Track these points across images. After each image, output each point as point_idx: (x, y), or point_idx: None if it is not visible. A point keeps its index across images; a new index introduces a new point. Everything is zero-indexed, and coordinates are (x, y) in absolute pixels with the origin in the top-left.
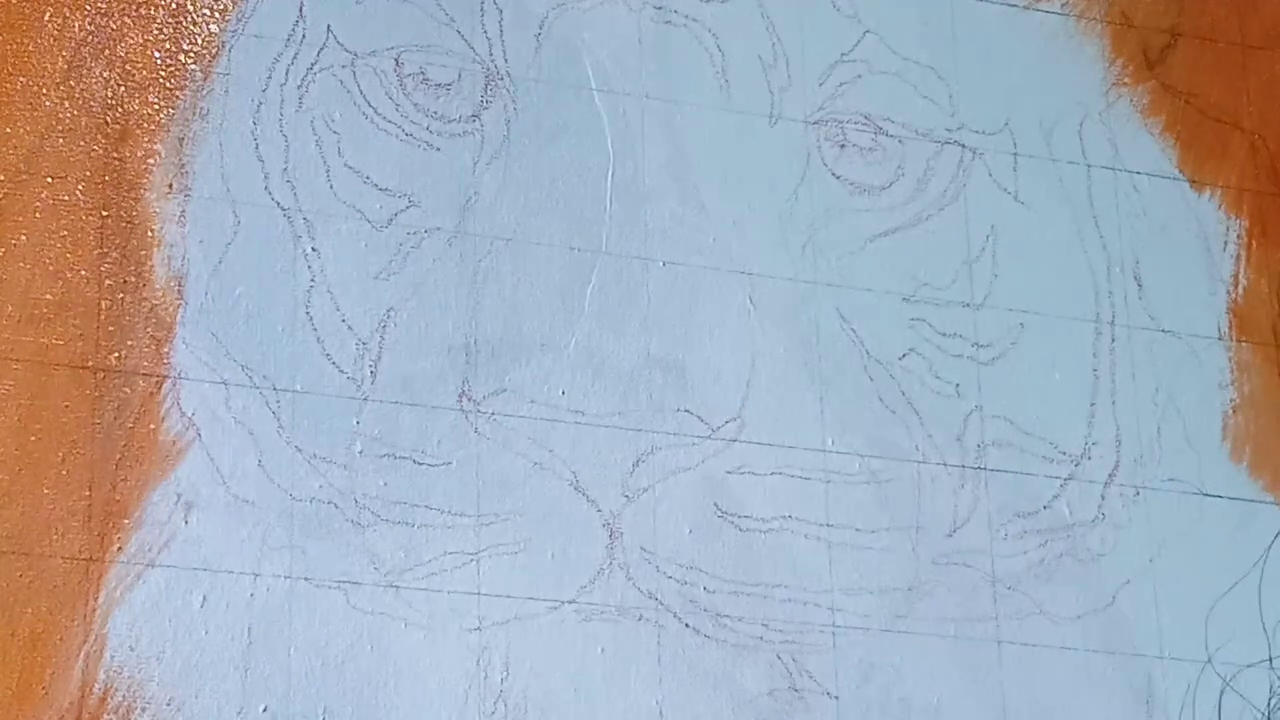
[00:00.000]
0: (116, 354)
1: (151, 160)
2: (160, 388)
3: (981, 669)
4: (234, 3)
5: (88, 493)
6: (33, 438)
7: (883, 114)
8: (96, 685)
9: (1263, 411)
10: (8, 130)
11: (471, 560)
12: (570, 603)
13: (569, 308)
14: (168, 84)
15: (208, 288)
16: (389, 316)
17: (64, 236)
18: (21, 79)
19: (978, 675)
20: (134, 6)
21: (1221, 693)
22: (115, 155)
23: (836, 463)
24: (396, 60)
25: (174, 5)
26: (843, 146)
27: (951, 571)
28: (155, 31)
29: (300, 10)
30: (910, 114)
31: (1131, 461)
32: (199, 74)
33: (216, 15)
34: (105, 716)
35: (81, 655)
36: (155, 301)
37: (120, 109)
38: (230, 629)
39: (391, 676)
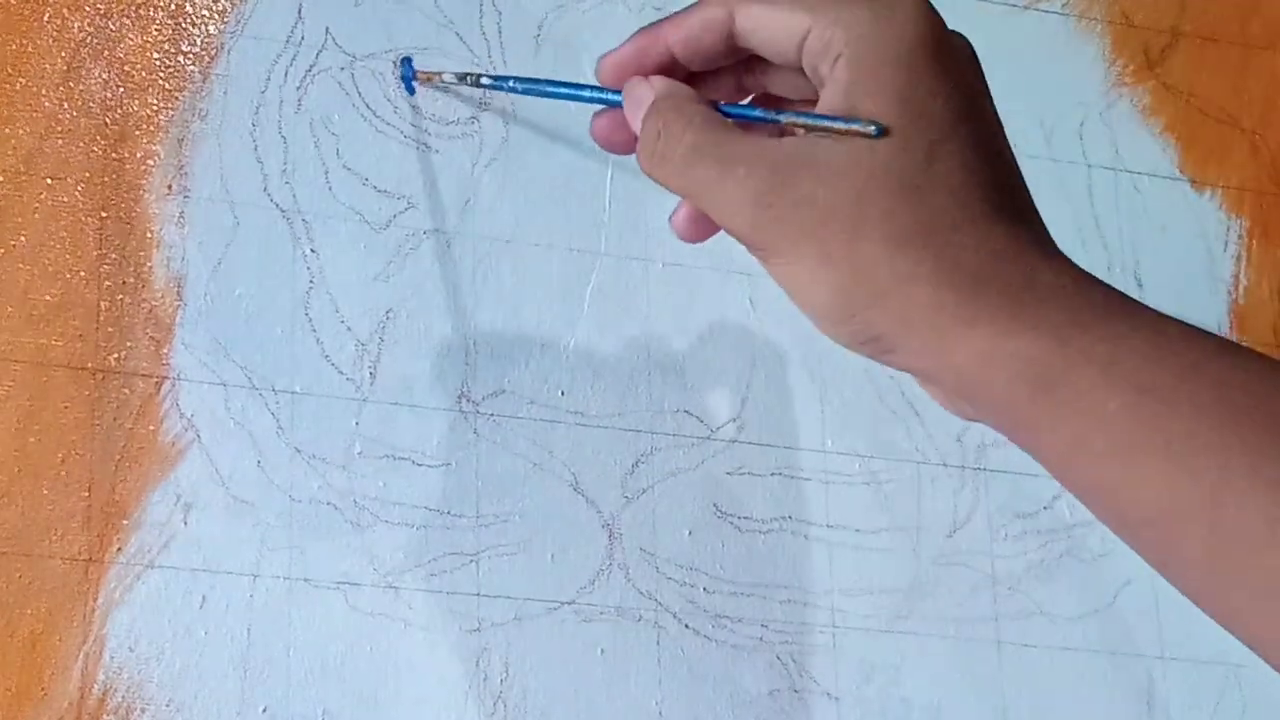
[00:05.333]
0: (116, 355)
1: (151, 161)
2: (159, 389)
3: (981, 669)
4: (233, 4)
5: (87, 493)
6: (32, 438)
7: None
8: (96, 686)
9: None
10: (7, 130)
11: (471, 561)
12: (570, 604)
13: (568, 308)
14: (167, 85)
15: (207, 289)
16: (388, 317)
17: (63, 237)
18: (21, 79)
19: (978, 675)
20: (134, 7)
21: (1222, 693)
22: (115, 156)
23: (836, 463)
24: (395, 62)
25: (173, 6)
26: None
27: (951, 571)
28: (154, 32)
29: (299, 12)
30: None
31: None
32: (198, 75)
33: (215, 16)
34: (105, 717)
35: (81, 656)
36: (154, 303)
37: (120, 110)
38: (230, 629)
39: (391, 677)
